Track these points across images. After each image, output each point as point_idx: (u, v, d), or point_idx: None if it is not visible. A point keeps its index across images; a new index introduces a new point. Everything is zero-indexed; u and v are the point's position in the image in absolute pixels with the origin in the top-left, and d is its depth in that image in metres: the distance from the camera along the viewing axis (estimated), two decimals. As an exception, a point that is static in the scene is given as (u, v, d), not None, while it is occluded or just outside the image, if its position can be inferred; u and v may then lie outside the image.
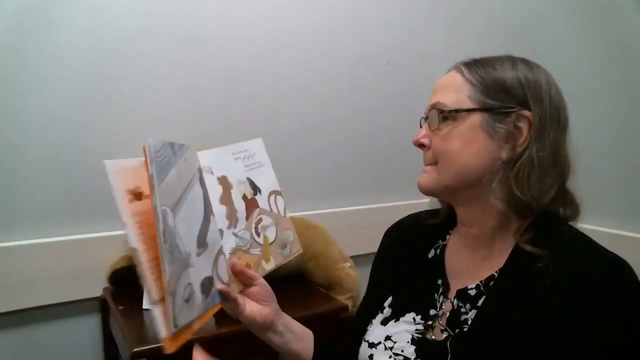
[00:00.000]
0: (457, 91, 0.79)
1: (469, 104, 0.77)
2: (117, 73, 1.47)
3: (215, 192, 0.84)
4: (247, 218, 0.88)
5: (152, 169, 0.65)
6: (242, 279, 0.83)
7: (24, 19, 1.35)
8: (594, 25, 1.42)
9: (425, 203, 1.89)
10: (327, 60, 1.76)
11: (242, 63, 1.63)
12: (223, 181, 0.86)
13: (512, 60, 0.79)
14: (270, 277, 0.87)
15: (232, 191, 0.87)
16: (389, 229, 1.02)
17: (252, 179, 0.91)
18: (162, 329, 0.65)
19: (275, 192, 0.95)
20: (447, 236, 0.91)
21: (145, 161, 0.65)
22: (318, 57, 1.74)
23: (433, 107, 0.81)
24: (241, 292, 0.83)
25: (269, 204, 0.93)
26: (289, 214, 0.95)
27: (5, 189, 1.37)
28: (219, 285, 0.77)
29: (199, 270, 0.72)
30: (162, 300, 0.65)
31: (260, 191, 0.92)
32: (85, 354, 1.50)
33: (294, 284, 1.51)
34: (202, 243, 0.74)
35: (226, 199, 0.85)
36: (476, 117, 0.77)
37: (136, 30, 1.48)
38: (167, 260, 0.65)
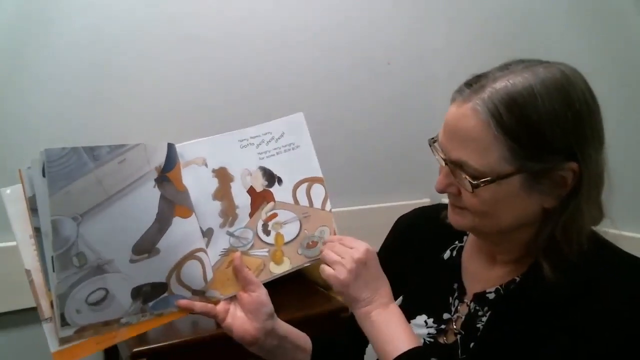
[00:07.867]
0: (486, 151, 0.66)
1: (505, 168, 0.66)
2: (117, 73, 1.47)
3: (209, 186, 0.78)
4: (251, 215, 0.80)
5: (36, 189, 0.69)
6: (241, 280, 0.78)
7: (23, 19, 1.35)
8: (594, 25, 1.42)
9: (425, 203, 1.89)
10: (327, 60, 1.76)
11: (242, 63, 1.63)
12: (221, 173, 0.79)
13: (543, 86, 0.65)
14: (269, 276, 0.81)
15: (233, 184, 0.80)
16: (401, 217, 0.97)
17: (269, 167, 0.82)
18: (51, 343, 0.69)
19: (310, 180, 0.83)
20: (465, 237, 0.85)
21: (22, 185, 0.69)
22: (318, 57, 1.74)
23: (458, 166, 0.68)
24: (236, 296, 0.79)
25: (295, 195, 0.83)
26: (329, 206, 0.85)
27: (5, 189, 1.36)
28: (179, 300, 0.75)
29: (130, 276, 0.71)
30: (52, 318, 0.68)
31: (280, 181, 0.82)
32: (85, 354, 1.50)
33: (294, 284, 1.51)
34: (144, 249, 0.72)
35: (222, 193, 0.79)
36: (515, 180, 0.67)
37: (136, 30, 1.48)
38: (57, 268, 0.67)
